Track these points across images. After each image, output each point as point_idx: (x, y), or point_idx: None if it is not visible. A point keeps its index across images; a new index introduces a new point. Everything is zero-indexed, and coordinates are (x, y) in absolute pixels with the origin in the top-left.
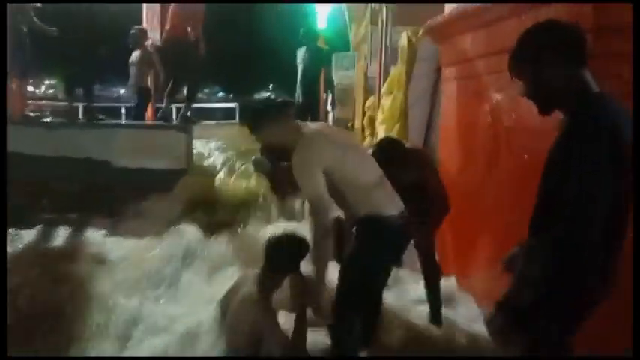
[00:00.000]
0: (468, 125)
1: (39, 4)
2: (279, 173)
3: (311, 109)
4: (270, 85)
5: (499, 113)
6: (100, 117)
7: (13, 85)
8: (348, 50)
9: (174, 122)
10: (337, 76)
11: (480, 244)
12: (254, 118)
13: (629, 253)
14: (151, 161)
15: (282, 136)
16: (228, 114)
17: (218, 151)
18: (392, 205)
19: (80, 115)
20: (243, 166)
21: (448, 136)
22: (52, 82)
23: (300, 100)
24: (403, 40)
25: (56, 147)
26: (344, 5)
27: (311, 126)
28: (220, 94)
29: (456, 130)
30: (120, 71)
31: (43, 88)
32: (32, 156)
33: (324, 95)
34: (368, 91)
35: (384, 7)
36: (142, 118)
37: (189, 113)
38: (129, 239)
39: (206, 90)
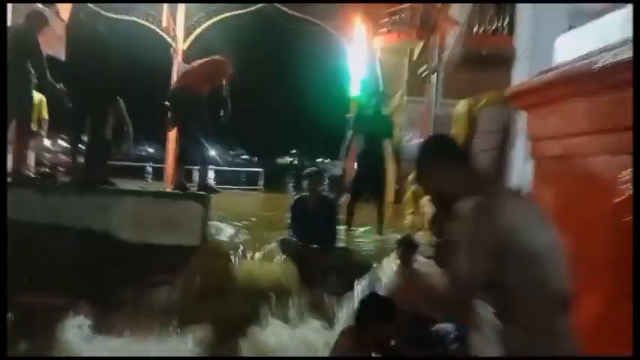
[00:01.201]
0: (576, 221)
1: (50, 55)
2: (311, 257)
3: (375, 187)
4: (294, 151)
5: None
6: (110, 181)
7: (14, 141)
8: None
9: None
10: None
11: None
12: (425, 152)
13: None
14: (159, 236)
15: (455, 183)
16: (252, 179)
17: (238, 226)
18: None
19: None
20: (267, 246)
21: None
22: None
23: (360, 173)
24: (460, 109)
25: (50, 213)
26: (378, 73)
27: (500, 185)
28: (244, 156)
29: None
30: (147, 129)
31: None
32: (20, 222)
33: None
34: (400, 164)
35: (434, 76)
36: (97, 176)
37: (210, 180)
38: (119, 339)
39: (232, 152)
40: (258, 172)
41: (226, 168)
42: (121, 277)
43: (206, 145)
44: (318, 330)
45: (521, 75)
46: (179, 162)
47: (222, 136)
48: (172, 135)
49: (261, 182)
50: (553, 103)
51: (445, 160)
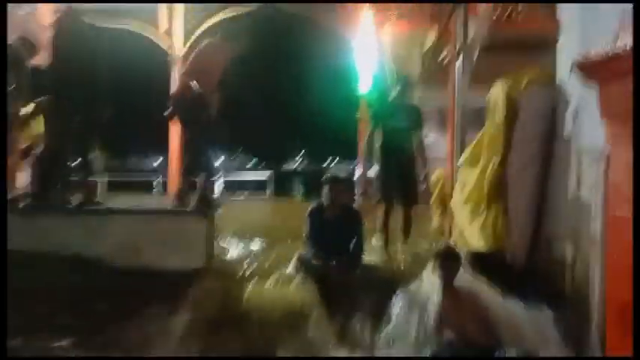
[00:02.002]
0: None
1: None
2: (334, 276)
3: (404, 189)
4: (302, 151)
5: None
6: (97, 201)
7: None
8: None
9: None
10: None
11: None
12: None
13: None
14: (158, 259)
15: None
16: (260, 185)
17: (247, 240)
18: None
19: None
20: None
21: (623, 230)
22: None
23: (388, 175)
24: (497, 94)
25: (34, 240)
26: (388, 63)
27: None
28: (252, 161)
29: None
30: (154, 141)
31: None
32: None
33: None
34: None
35: (458, 62)
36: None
37: (214, 193)
38: None
39: (232, 159)
40: (263, 180)
41: (234, 179)
42: (113, 310)
43: (211, 154)
44: None
45: (570, 48)
46: (183, 174)
47: (228, 144)
48: (174, 146)
49: (269, 189)
50: None
51: None
